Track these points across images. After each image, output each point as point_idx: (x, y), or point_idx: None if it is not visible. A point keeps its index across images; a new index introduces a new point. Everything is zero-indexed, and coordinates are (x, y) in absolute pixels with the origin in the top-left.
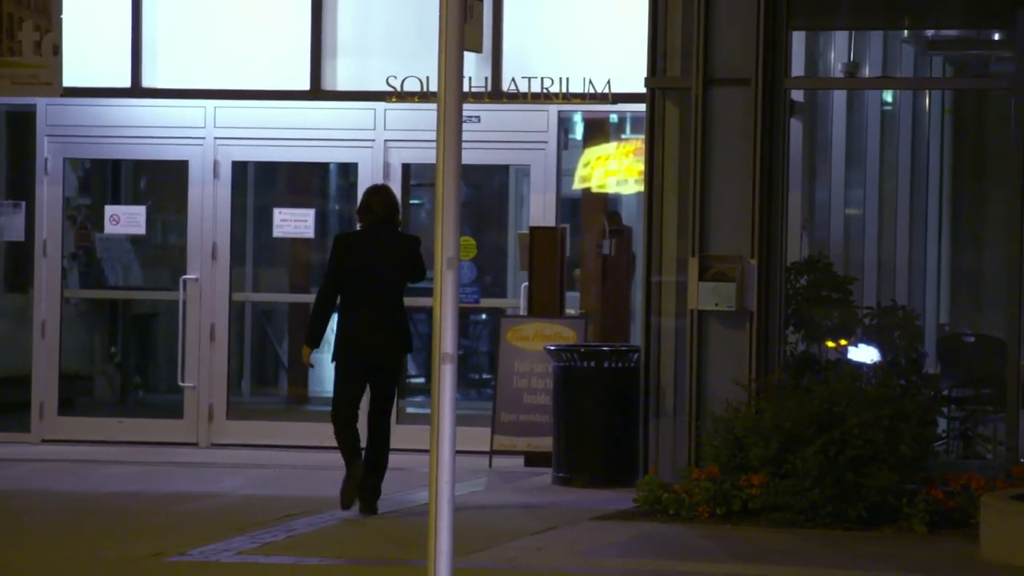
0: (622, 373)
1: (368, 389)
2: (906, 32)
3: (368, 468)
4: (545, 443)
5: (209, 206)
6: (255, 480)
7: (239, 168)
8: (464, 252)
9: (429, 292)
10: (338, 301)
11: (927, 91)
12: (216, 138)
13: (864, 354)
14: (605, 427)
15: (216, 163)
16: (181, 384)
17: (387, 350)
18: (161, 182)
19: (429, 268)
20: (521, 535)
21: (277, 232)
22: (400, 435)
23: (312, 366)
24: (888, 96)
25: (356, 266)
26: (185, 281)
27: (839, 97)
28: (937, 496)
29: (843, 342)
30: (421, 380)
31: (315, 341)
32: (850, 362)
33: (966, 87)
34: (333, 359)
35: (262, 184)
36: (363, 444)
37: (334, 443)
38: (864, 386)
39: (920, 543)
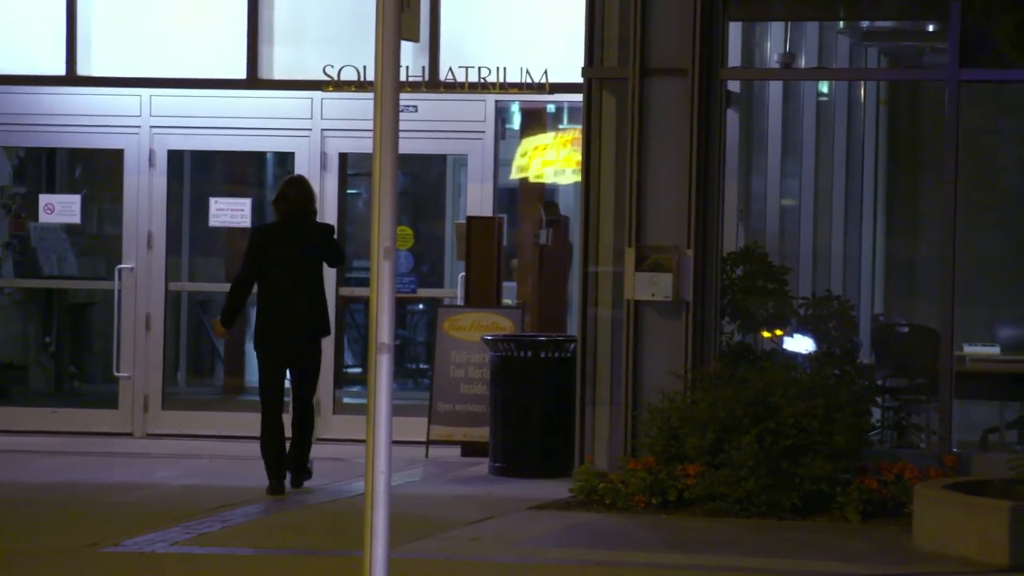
0: (559, 363)
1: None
2: (841, 23)
3: (294, 445)
4: (482, 433)
5: (145, 195)
6: (190, 470)
7: (175, 157)
8: (401, 242)
9: (365, 282)
10: (255, 289)
11: (862, 82)
12: (152, 127)
13: (799, 344)
14: (542, 417)
15: (152, 152)
16: (116, 374)
17: (302, 335)
18: (96, 171)
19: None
20: (457, 525)
21: (214, 221)
22: (336, 425)
23: (225, 336)
24: (824, 87)
25: (272, 256)
26: (120, 271)
27: (775, 88)
28: (871, 485)
29: (778, 332)
30: (358, 370)
31: (229, 321)
32: (785, 352)
33: (901, 78)
34: (255, 346)
35: (198, 173)
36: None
37: None
38: (799, 376)
39: (854, 532)
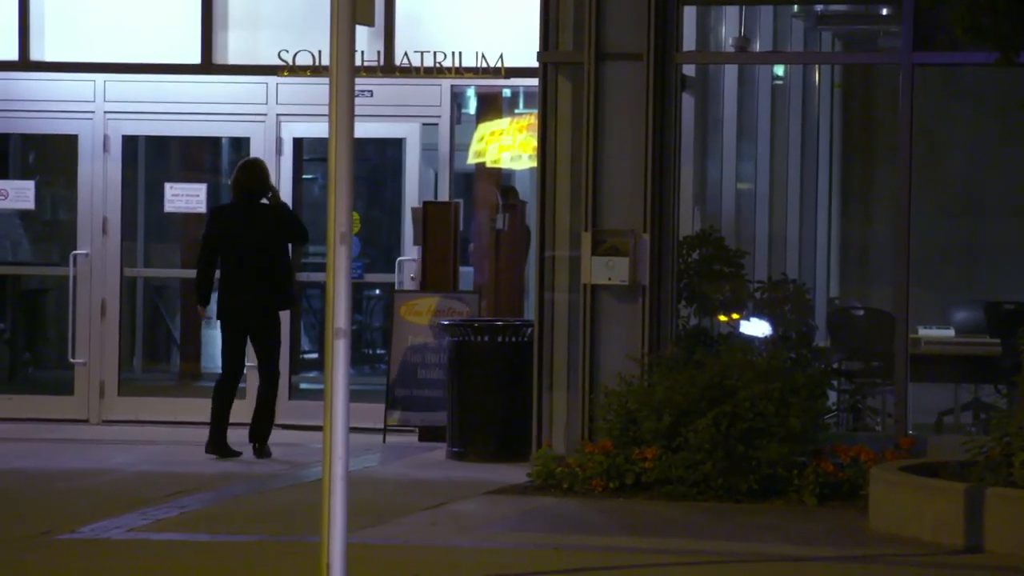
0: (516, 348)
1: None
2: (796, 7)
3: (258, 416)
4: (439, 418)
5: (99, 181)
6: (146, 457)
7: (130, 142)
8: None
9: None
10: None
11: (817, 66)
12: (106, 112)
13: (755, 328)
14: (499, 402)
15: (106, 137)
16: (72, 360)
17: (257, 311)
18: (50, 156)
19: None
20: (414, 510)
21: (169, 207)
22: (293, 410)
23: (209, 317)
24: (778, 71)
25: (228, 236)
26: (75, 256)
27: (730, 72)
28: (827, 468)
29: (735, 316)
30: (314, 355)
31: (204, 300)
32: (741, 336)
33: (855, 62)
34: (218, 318)
35: (153, 158)
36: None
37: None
38: (755, 359)
39: (810, 515)
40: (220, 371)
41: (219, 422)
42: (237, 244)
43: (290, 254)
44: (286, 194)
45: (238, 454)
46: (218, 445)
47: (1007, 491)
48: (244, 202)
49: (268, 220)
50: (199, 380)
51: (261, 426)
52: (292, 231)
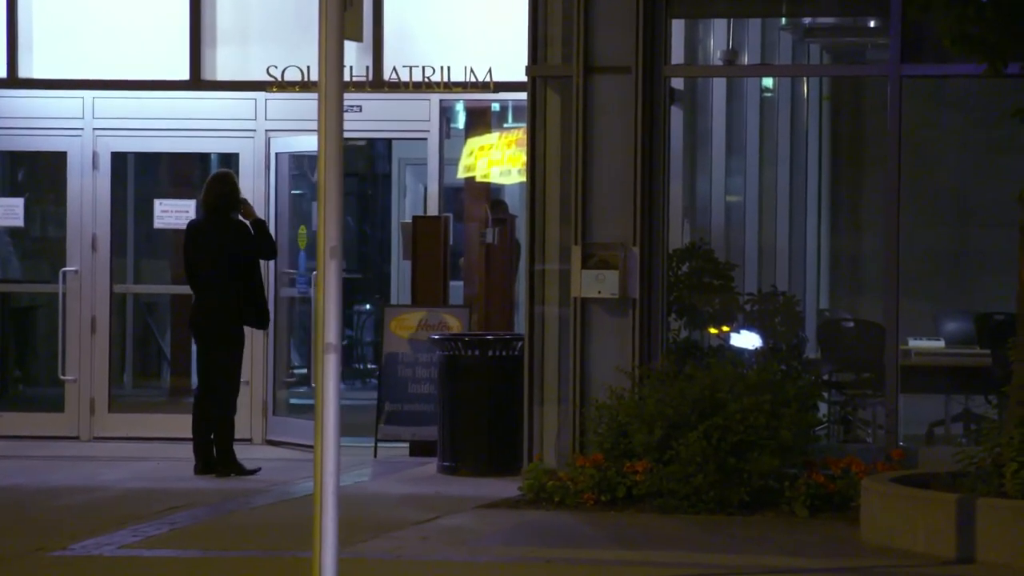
0: (506, 361)
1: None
2: (784, 20)
3: (206, 431)
4: (430, 432)
5: (89, 197)
6: (138, 473)
7: (119, 159)
8: (301, 240)
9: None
10: None
11: (805, 78)
12: (95, 129)
13: (746, 340)
14: (490, 416)
15: (95, 154)
16: (62, 377)
17: (215, 325)
18: (39, 173)
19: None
20: (406, 525)
21: (158, 223)
22: (283, 427)
23: None
24: (767, 83)
25: (197, 250)
26: (65, 273)
27: (719, 85)
28: (818, 480)
29: (725, 328)
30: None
31: None
32: (732, 348)
33: (843, 74)
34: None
35: (143, 175)
36: None
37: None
38: (745, 372)
39: (801, 526)
40: (196, 387)
41: (195, 447)
42: (204, 258)
43: (259, 269)
44: (281, 208)
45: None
46: (201, 469)
47: (999, 501)
48: (211, 216)
49: (235, 235)
50: (189, 396)
51: (211, 442)
52: (259, 247)
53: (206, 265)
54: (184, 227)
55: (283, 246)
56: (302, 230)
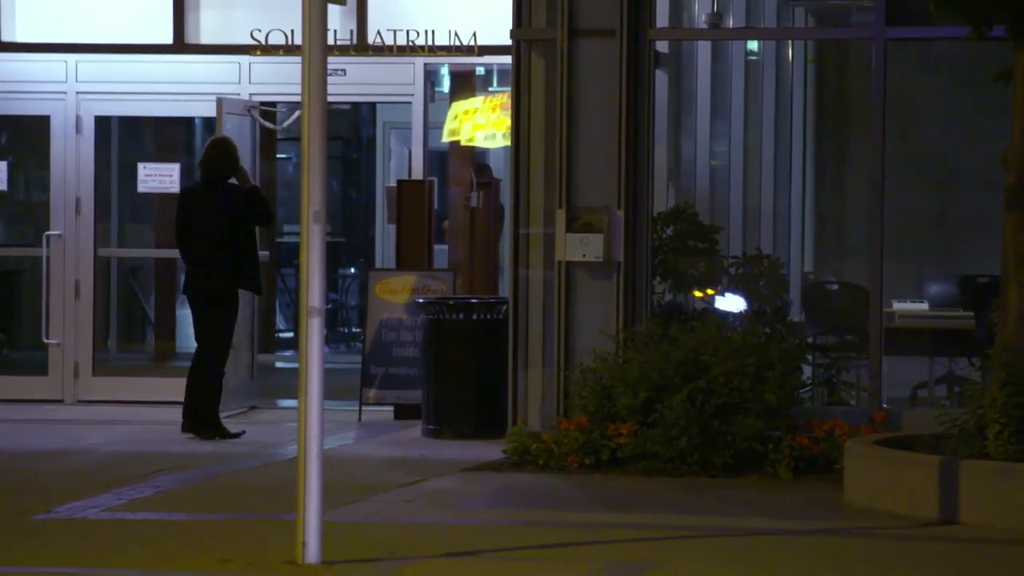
0: (491, 325)
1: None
2: None
3: (192, 392)
4: (415, 396)
5: (72, 161)
6: (122, 436)
7: (102, 123)
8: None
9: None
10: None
11: (790, 41)
12: (78, 92)
13: (730, 303)
14: (474, 379)
15: (79, 118)
16: (46, 341)
17: (215, 289)
18: (23, 137)
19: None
20: (390, 488)
21: (142, 187)
22: (267, 388)
23: None
24: (752, 47)
25: (191, 215)
26: (49, 237)
27: (703, 48)
28: (802, 442)
29: (709, 291)
30: (290, 335)
31: None
32: (716, 311)
33: (828, 37)
34: (184, 293)
35: (126, 139)
36: None
37: None
38: (730, 335)
39: (785, 489)
40: (195, 350)
41: (184, 406)
42: (200, 224)
43: (256, 236)
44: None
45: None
46: (187, 427)
47: (981, 463)
48: (210, 182)
49: (233, 201)
50: (174, 360)
51: (194, 403)
52: (257, 213)
53: (204, 231)
54: (168, 191)
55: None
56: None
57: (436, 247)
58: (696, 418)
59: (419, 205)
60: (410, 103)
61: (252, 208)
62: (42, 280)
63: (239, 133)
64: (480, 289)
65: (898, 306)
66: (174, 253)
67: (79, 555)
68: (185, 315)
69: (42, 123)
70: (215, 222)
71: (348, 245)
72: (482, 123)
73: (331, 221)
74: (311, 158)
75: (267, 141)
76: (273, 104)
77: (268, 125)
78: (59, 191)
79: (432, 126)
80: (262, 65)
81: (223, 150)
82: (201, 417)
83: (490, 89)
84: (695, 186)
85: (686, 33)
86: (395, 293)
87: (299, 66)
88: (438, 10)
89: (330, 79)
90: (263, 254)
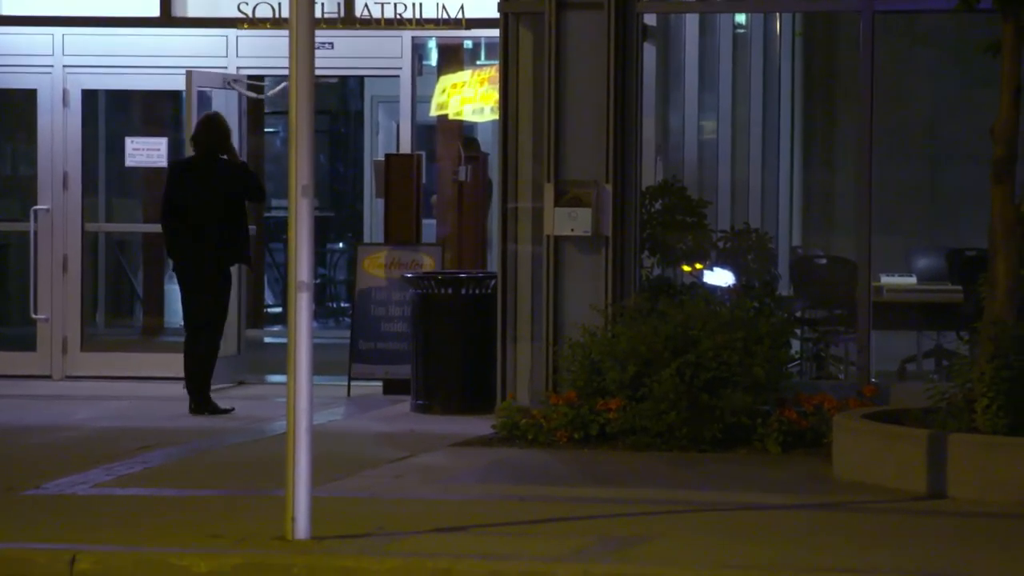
0: (479, 300)
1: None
2: None
3: (191, 370)
4: (403, 371)
5: (59, 135)
6: (110, 412)
7: (89, 96)
8: None
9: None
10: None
11: (778, 14)
12: (65, 66)
13: (718, 277)
14: (463, 354)
15: (65, 92)
16: (34, 316)
17: (209, 266)
18: (9, 111)
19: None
20: (380, 463)
21: (130, 161)
22: (256, 363)
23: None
24: (740, 19)
25: (183, 191)
26: (36, 211)
27: (691, 21)
28: (791, 417)
29: (698, 266)
30: (278, 310)
31: (172, 255)
32: (705, 285)
33: (816, 9)
34: (174, 271)
35: (114, 113)
36: None
37: None
38: (718, 309)
39: (774, 463)
40: (184, 328)
41: (188, 388)
42: (193, 199)
43: (246, 211)
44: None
45: (227, 411)
46: (193, 408)
47: (969, 437)
48: (202, 158)
49: (225, 177)
50: (163, 335)
51: (193, 381)
52: (249, 190)
53: (197, 205)
54: (156, 165)
55: None
56: None
57: (424, 221)
58: (685, 392)
59: (407, 179)
60: (398, 77)
61: (246, 184)
62: (29, 255)
63: (225, 108)
64: (468, 263)
65: (886, 280)
66: (161, 228)
67: (68, 531)
68: (174, 290)
69: (29, 97)
70: (210, 198)
71: (336, 219)
72: (470, 97)
73: (319, 195)
74: (299, 132)
75: (254, 115)
76: (261, 78)
77: (252, 95)
78: (46, 165)
79: (420, 100)
80: (249, 39)
81: (215, 126)
82: (192, 393)
83: (478, 63)
84: (683, 160)
85: (674, 6)
86: (383, 268)
87: (287, 39)
88: None
89: (318, 53)
90: (250, 228)
